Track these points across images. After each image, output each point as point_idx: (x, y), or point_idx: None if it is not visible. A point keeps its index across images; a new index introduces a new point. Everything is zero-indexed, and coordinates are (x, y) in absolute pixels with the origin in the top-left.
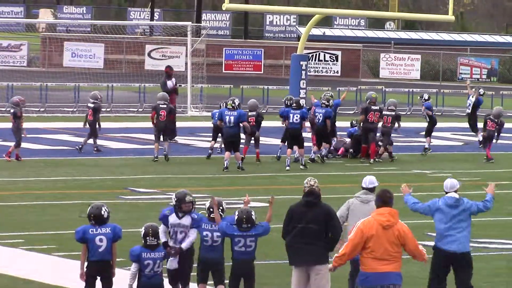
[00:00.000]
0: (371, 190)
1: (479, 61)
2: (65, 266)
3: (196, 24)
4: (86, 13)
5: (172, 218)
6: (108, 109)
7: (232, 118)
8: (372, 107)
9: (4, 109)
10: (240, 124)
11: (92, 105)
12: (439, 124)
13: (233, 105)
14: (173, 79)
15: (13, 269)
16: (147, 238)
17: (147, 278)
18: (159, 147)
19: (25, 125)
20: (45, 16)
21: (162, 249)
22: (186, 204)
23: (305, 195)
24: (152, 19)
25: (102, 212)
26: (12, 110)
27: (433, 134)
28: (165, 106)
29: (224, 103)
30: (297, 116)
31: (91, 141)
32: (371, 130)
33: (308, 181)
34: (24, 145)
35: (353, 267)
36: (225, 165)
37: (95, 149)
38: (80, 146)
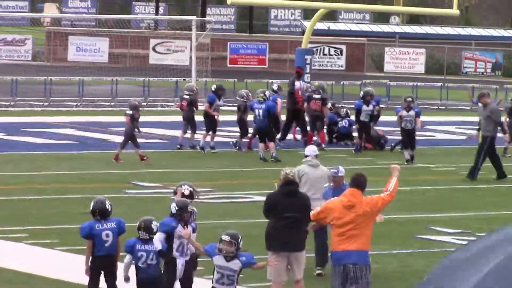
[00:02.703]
0: (316, 156)
1: (484, 55)
2: (68, 260)
3: (200, 18)
4: (91, 7)
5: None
6: (112, 103)
7: (261, 111)
8: (313, 95)
9: (8, 103)
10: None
11: (187, 97)
12: (443, 118)
13: (264, 97)
14: (302, 81)
15: (16, 263)
16: (139, 231)
17: (143, 271)
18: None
19: (30, 119)
20: (49, 10)
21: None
22: (187, 213)
23: (285, 184)
24: (157, 13)
25: (107, 206)
26: (130, 112)
27: (438, 128)
28: (187, 97)
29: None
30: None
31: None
32: (317, 118)
33: (284, 169)
34: (28, 139)
35: None
36: (261, 156)
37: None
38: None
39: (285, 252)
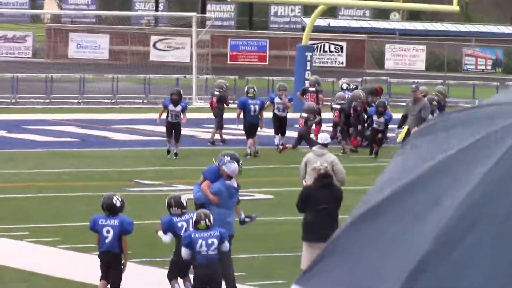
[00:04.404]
0: (325, 146)
1: (484, 52)
2: (70, 258)
3: (201, 15)
4: (91, 4)
5: None
6: (113, 101)
7: (257, 106)
8: (309, 88)
9: (9, 100)
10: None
11: (217, 93)
12: None
13: (254, 93)
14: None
15: (18, 261)
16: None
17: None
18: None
19: (31, 116)
20: (50, 7)
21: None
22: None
23: (321, 177)
24: (157, 10)
25: (114, 201)
26: (305, 115)
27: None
28: (217, 93)
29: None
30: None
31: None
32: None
33: (322, 163)
34: (29, 136)
35: None
36: (249, 152)
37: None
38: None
39: (320, 243)
